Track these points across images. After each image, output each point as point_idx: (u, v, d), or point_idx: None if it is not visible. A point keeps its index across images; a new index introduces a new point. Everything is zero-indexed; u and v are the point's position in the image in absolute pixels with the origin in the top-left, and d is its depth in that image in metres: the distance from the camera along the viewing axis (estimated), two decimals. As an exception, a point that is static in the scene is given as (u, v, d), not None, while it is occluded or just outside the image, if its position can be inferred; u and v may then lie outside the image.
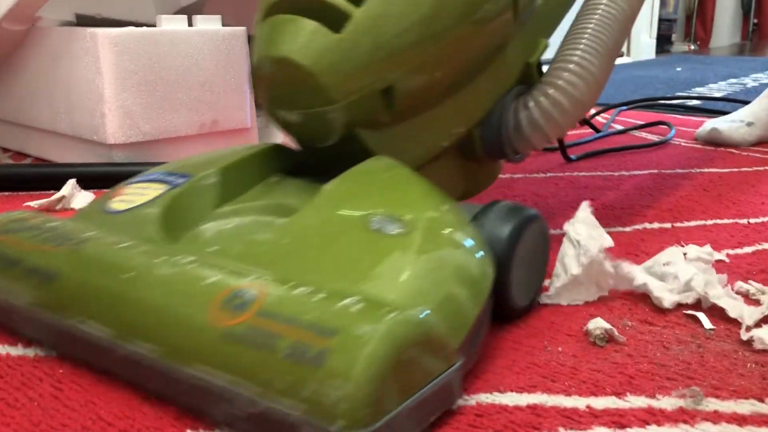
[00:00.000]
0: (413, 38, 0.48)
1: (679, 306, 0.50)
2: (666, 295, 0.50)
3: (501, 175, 0.88)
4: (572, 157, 0.97)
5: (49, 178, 0.84)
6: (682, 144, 1.10)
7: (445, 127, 0.55)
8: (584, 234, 0.51)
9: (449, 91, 0.53)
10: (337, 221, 0.43)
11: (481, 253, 0.44)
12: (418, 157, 0.53)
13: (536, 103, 0.56)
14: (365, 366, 0.32)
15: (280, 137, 1.04)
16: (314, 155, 0.52)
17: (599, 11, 0.59)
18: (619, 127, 1.22)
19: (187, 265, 0.40)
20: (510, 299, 0.47)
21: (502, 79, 0.58)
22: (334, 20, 0.46)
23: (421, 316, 0.36)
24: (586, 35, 0.57)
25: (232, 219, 0.47)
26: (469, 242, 0.44)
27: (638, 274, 0.52)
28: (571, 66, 0.56)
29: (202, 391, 0.36)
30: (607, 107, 1.38)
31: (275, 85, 0.49)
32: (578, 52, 0.56)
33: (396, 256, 0.40)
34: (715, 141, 1.09)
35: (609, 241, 0.51)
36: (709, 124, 1.12)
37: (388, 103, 0.49)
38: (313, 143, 0.51)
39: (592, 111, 1.35)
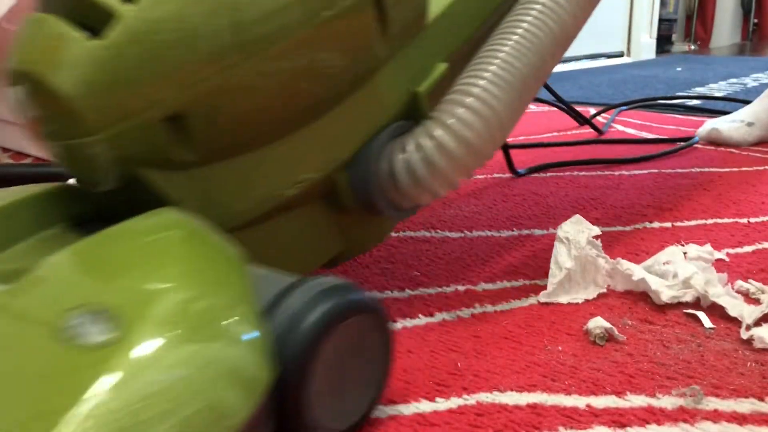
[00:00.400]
0: (209, 47, 0.35)
1: (679, 304, 0.50)
2: (664, 290, 0.50)
3: (501, 175, 0.88)
4: (520, 171, 0.89)
5: (49, 178, 0.84)
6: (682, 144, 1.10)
7: (287, 171, 0.42)
8: (572, 230, 0.51)
9: (287, 124, 0.41)
10: (23, 324, 0.29)
11: (256, 352, 0.30)
12: (243, 211, 0.41)
13: (417, 145, 0.44)
14: None
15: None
16: (106, 201, 0.40)
17: (522, 27, 0.46)
18: (619, 127, 1.22)
19: None
20: (305, 421, 0.33)
21: (373, 111, 0.45)
22: (95, 22, 0.35)
23: None
24: (496, 61, 0.45)
25: None
26: (243, 336, 0.30)
27: (637, 271, 0.52)
28: (469, 101, 0.43)
29: None
30: (607, 107, 1.38)
31: (32, 106, 0.36)
32: (482, 83, 0.44)
33: (90, 380, 0.26)
34: (715, 141, 1.09)
35: (595, 230, 0.51)
36: (710, 123, 1.12)
37: (180, 137, 0.37)
38: (89, 186, 0.39)
39: (592, 111, 1.35)
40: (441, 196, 0.45)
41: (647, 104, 1.51)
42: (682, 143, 1.03)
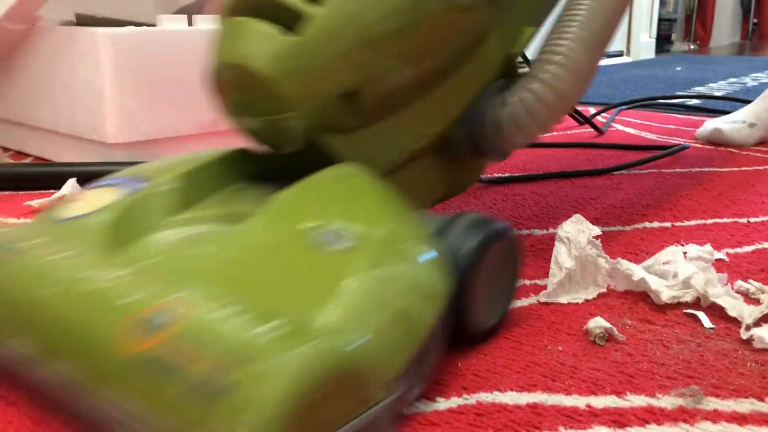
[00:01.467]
0: (378, 38, 0.45)
1: (679, 304, 0.50)
2: (664, 290, 0.50)
3: (500, 174, 0.88)
4: (483, 178, 0.84)
5: (49, 178, 0.84)
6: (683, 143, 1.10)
7: (419, 128, 0.51)
8: (573, 230, 0.51)
9: (422, 89, 0.50)
10: (280, 235, 0.40)
11: (437, 269, 0.40)
12: (389, 162, 0.50)
13: (519, 99, 0.52)
14: (275, 402, 0.28)
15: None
16: (282, 161, 0.49)
17: None
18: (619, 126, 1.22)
19: (114, 280, 0.36)
20: (472, 320, 0.43)
21: (481, 73, 0.53)
22: (292, 22, 0.43)
23: (349, 348, 0.32)
24: (575, 24, 0.52)
25: (183, 228, 0.43)
26: (424, 257, 0.40)
27: (637, 271, 0.52)
28: (558, 58, 0.51)
29: (101, 422, 0.33)
30: (607, 107, 1.38)
31: (234, 91, 0.46)
32: (566, 42, 0.52)
33: (339, 273, 0.36)
34: (716, 141, 1.09)
35: (596, 230, 0.51)
36: (710, 123, 1.12)
37: (353, 108, 0.46)
38: (277, 150, 0.48)
39: (592, 110, 1.35)
40: (535, 139, 0.55)
41: (647, 104, 1.51)
42: (673, 148, 1.01)
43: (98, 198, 0.44)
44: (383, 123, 0.49)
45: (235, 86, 0.46)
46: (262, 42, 0.43)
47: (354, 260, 0.37)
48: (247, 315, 0.33)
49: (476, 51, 0.52)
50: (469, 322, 0.43)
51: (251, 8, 0.44)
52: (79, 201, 0.45)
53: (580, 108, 1.29)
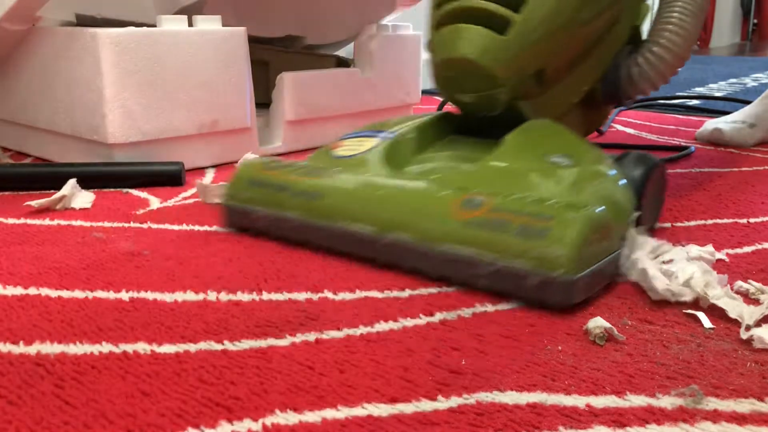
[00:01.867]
0: (558, 34, 0.64)
1: (678, 304, 0.51)
2: (660, 284, 0.50)
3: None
4: None
5: (49, 178, 0.84)
6: (682, 144, 1.10)
7: (577, 87, 0.71)
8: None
9: (580, 61, 0.69)
10: (522, 158, 0.60)
11: (622, 182, 0.60)
12: (558, 113, 0.69)
13: (645, 59, 0.71)
14: (575, 237, 0.49)
15: (280, 138, 1.05)
16: (476, 122, 0.69)
17: None
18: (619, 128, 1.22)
19: (424, 185, 0.58)
20: (642, 222, 0.61)
21: (617, 42, 0.72)
22: (500, 26, 0.61)
23: (600, 212, 0.52)
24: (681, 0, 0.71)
25: (432, 162, 0.65)
26: (614, 173, 0.60)
27: (642, 261, 0.52)
28: (671, 26, 0.70)
29: (451, 262, 0.53)
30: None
31: (456, 76, 0.65)
32: (676, 14, 0.70)
33: (572, 178, 0.58)
34: (717, 142, 1.09)
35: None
36: (710, 124, 1.12)
37: (539, 81, 0.66)
38: (482, 114, 0.68)
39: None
40: (657, 89, 0.74)
41: (647, 104, 1.51)
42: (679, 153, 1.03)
43: (359, 144, 0.67)
44: (555, 87, 0.68)
45: (458, 74, 0.64)
46: (481, 41, 0.61)
47: (578, 172, 0.58)
48: (533, 197, 0.53)
49: (613, 27, 0.71)
50: (641, 224, 0.60)
51: (464, 17, 0.62)
52: (343, 146, 0.68)
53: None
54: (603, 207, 0.53)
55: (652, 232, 0.64)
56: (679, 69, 0.73)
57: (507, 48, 0.61)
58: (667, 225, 0.69)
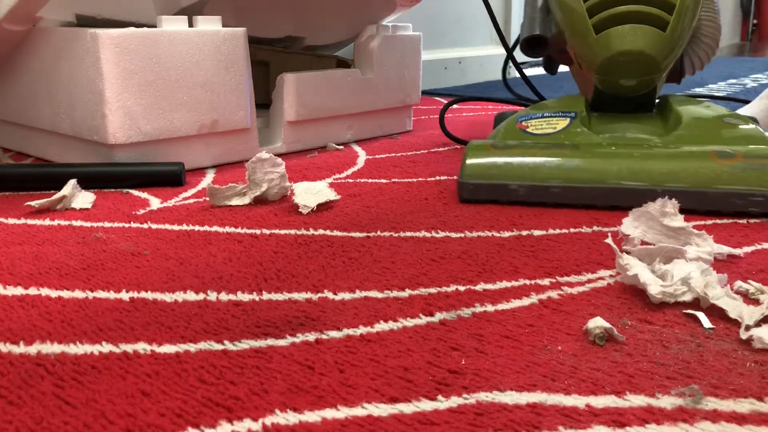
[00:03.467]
0: (690, 28, 0.80)
1: (678, 304, 0.51)
2: (656, 287, 0.50)
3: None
4: None
5: (49, 178, 0.84)
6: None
7: (671, 68, 0.88)
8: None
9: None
10: (708, 123, 0.79)
11: None
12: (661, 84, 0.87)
13: (697, 45, 0.89)
14: None
15: (280, 138, 1.05)
16: (607, 100, 0.87)
17: None
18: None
19: (669, 147, 0.76)
20: None
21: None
22: (661, 25, 0.77)
23: None
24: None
25: (619, 132, 0.83)
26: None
27: (635, 266, 0.52)
28: (707, 22, 0.88)
29: (725, 198, 0.71)
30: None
31: (627, 64, 0.79)
32: (710, 12, 0.88)
33: (752, 133, 0.77)
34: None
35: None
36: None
37: (680, 67, 0.89)
38: (631, 93, 0.83)
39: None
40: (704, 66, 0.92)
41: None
42: None
43: (552, 123, 0.83)
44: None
45: (630, 62, 0.78)
46: (652, 37, 0.77)
47: (755, 127, 0.78)
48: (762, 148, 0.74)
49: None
50: None
51: (628, 18, 0.78)
52: (535, 127, 0.83)
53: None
54: None
55: None
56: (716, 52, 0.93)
57: (667, 42, 0.78)
58: (667, 225, 0.69)
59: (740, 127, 0.77)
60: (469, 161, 0.78)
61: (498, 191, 0.76)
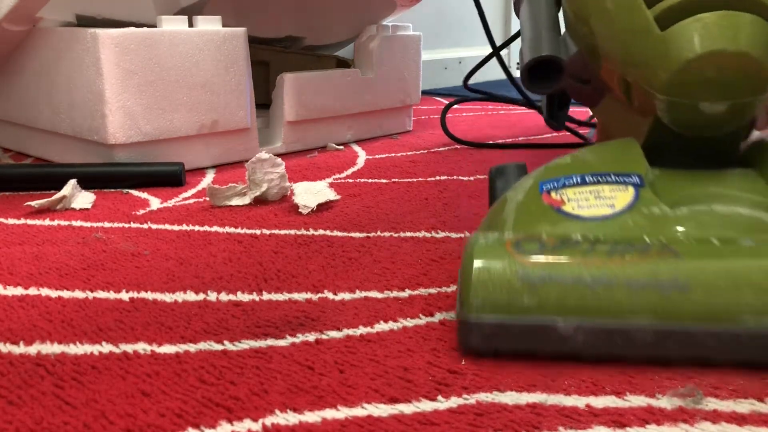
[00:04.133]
0: None
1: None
2: None
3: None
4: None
5: (49, 178, 0.84)
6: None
7: None
8: None
9: None
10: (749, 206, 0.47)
11: None
12: None
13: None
14: None
15: (280, 138, 1.05)
16: (671, 146, 0.53)
17: None
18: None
19: (747, 248, 0.42)
20: None
21: None
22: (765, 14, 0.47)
23: None
24: None
25: (700, 205, 0.47)
26: None
27: None
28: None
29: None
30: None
31: (717, 77, 0.47)
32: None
33: None
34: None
35: None
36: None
37: None
38: (715, 130, 0.50)
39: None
40: None
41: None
42: None
43: (611, 195, 0.48)
44: None
45: (723, 74, 0.47)
46: (757, 31, 0.46)
47: None
48: None
49: None
50: None
51: (715, 3, 0.47)
52: (580, 199, 0.48)
53: (580, 110, 1.29)
54: None
55: None
56: None
57: None
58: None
59: None
60: (477, 277, 0.42)
61: (536, 337, 0.42)
